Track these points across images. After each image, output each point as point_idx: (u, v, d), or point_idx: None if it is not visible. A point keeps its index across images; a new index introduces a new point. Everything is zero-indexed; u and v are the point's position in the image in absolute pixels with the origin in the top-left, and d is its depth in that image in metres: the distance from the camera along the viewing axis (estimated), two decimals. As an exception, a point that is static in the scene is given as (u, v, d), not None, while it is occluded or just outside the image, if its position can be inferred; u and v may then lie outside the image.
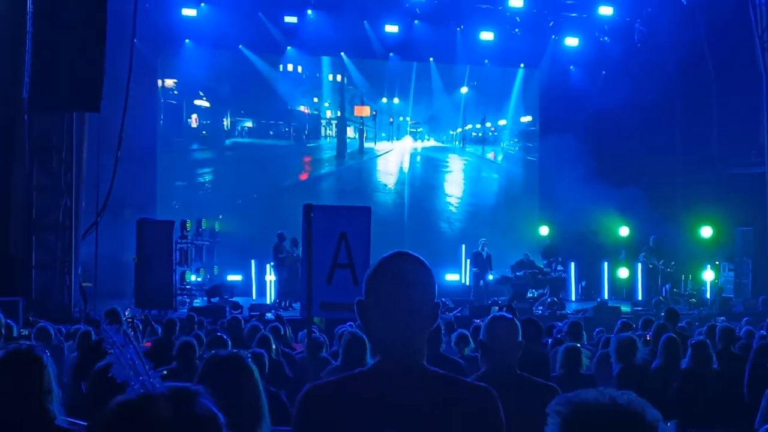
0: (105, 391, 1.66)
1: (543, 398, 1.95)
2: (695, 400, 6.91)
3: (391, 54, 23.14)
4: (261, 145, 23.05)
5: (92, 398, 4.72)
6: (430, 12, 22.60)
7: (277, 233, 18.59)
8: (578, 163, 20.39)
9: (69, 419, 3.55)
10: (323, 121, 23.73)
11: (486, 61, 23.66)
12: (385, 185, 24.18)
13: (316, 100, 23.56)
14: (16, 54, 14.21)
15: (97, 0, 14.43)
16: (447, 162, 24.70)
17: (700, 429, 7.05)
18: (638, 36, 23.07)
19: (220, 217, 20.92)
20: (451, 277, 21.50)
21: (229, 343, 7.73)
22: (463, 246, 21.91)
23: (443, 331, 7.55)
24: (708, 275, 20.69)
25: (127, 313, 13.44)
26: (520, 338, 4.05)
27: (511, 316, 4.19)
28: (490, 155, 24.95)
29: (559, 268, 20.61)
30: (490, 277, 20.12)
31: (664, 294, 19.64)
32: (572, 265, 21.25)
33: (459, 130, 24.64)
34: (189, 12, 21.05)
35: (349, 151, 23.88)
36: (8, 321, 7.98)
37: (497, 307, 15.95)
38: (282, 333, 9.86)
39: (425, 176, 24.43)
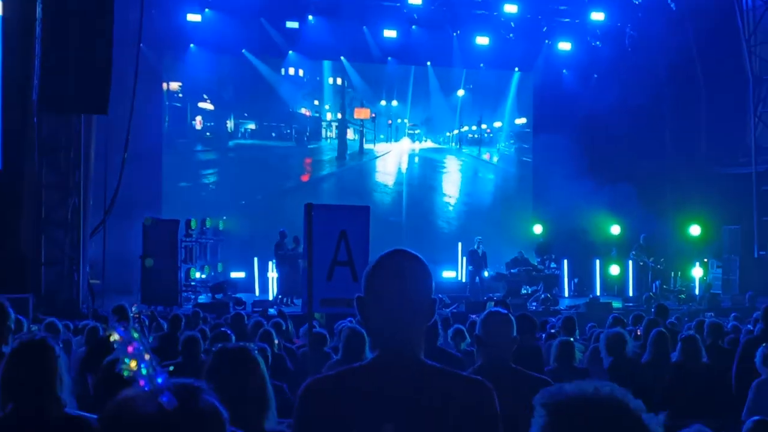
0: (112, 385, 1.66)
1: (537, 391, 2.03)
2: (685, 392, 6.96)
3: (389, 58, 23.29)
4: (263, 146, 23.10)
5: (100, 392, 4.76)
6: (428, 17, 22.75)
7: (278, 231, 18.58)
8: (571, 164, 20.49)
9: (77, 412, 3.62)
10: (324, 124, 23.85)
11: (481, 64, 23.80)
12: (385, 185, 24.28)
13: (316, 102, 23.69)
14: (26, 58, 14.23)
15: (105, 6, 14.47)
16: (444, 163, 24.83)
17: (689, 420, 7.33)
18: (629, 41, 23.26)
19: (224, 218, 20.78)
20: (448, 274, 21.50)
21: (233, 338, 7.81)
22: (460, 244, 21.98)
23: (440, 327, 7.54)
24: (697, 272, 20.84)
25: (133, 309, 13.05)
26: (514, 333, 4.10)
27: (506, 311, 4.24)
28: (486, 156, 25.06)
29: (553, 265, 20.75)
30: (486, 274, 20.14)
31: (654, 290, 19.72)
32: (565, 262, 21.42)
33: (456, 131, 24.78)
34: (194, 17, 21.23)
35: (349, 152, 23.98)
36: (18, 317, 8.28)
37: (492, 303, 16.18)
38: (284, 328, 9.83)
39: (423, 176, 24.54)
